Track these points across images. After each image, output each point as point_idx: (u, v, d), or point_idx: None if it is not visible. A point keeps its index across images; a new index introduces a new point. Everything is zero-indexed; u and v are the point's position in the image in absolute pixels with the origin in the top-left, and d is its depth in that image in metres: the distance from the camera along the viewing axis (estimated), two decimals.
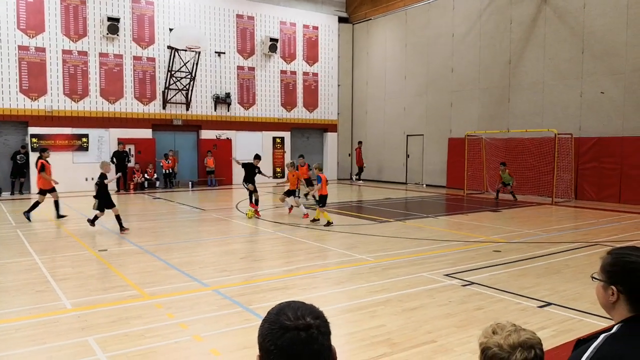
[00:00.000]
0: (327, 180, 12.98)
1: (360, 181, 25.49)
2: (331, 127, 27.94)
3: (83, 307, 6.21)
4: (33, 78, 20.03)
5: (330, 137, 27.98)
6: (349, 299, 6.62)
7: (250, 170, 14.31)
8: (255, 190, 13.96)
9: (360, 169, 25.49)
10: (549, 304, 6.34)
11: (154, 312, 6.06)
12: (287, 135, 26.45)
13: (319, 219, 12.73)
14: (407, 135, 24.94)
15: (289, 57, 26.34)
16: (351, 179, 25.13)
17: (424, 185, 23.85)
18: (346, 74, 28.24)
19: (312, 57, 27.11)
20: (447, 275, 7.68)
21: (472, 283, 7.22)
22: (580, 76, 17.75)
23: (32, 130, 20.09)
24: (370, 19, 26.96)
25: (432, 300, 6.51)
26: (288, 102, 26.40)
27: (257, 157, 14.71)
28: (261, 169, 14.69)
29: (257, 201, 13.97)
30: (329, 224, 12.28)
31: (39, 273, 7.85)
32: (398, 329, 5.47)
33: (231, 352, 4.92)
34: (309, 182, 16.14)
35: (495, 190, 18.52)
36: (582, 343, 1.81)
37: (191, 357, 4.82)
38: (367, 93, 27.38)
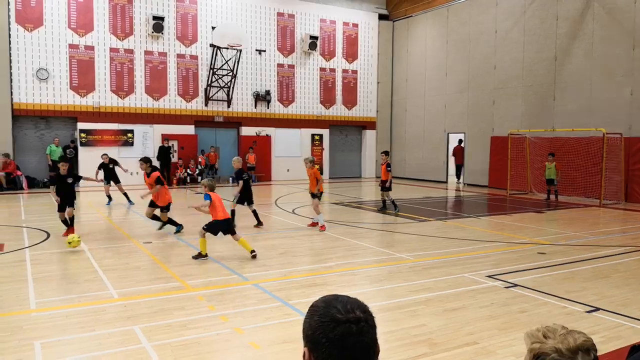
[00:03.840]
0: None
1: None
2: (370, 124, 27.81)
3: (129, 297, 6.40)
4: (82, 75, 20.74)
5: (369, 135, 27.85)
6: (388, 298, 6.58)
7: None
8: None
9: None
10: (597, 309, 6.13)
11: (196, 304, 6.18)
12: (325, 132, 26.49)
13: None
14: (448, 133, 24.57)
15: (329, 55, 26.34)
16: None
17: (465, 185, 23.46)
18: (386, 71, 28.03)
19: (351, 54, 27.03)
20: (489, 276, 7.53)
21: (516, 285, 7.06)
22: (631, 73, 17.04)
23: (81, 125, 20.82)
24: (411, 16, 26.66)
25: (474, 301, 6.39)
26: (327, 99, 26.43)
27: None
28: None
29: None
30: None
31: (87, 263, 8.14)
32: (439, 329, 5.41)
33: (270, 345, 4.97)
34: None
35: (544, 190, 18.01)
36: (637, 349, 1.74)
37: (232, 349, 4.90)
38: (407, 90, 27.11)
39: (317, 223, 11.57)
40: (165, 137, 21.94)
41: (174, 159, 22.40)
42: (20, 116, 20.00)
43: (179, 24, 22.51)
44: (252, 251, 8.67)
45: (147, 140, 22.14)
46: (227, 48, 22.12)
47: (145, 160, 11.21)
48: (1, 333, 5.19)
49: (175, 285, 7.00)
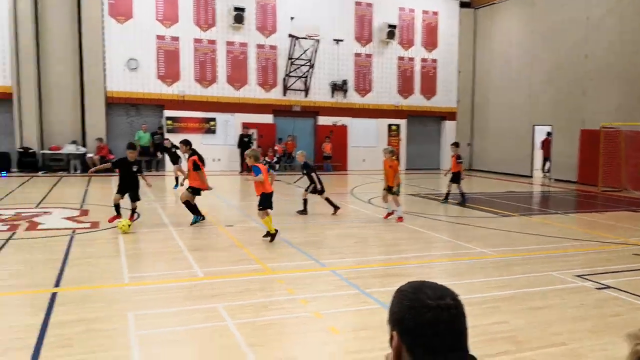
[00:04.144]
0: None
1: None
2: (450, 115, 27.07)
3: (213, 277, 6.67)
4: (168, 65, 21.73)
5: (449, 126, 27.12)
6: (468, 292, 6.39)
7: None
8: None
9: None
10: None
11: (276, 287, 6.33)
12: (403, 122, 26.11)
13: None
14: (534, 125, 23.40)
15: (407, 44, 25.87)
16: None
17: (552, 179, 22.29)
18: (467, 60, 27.11)
19: (431, 43, 26.39)
20: (578, 276, 7.12)
21: (608, 287, 6.63)
22: None
23: (167, 113, 21.87)
24: (494, 4, 25.55)
25: (562, 301, 6.07)
26: (405, 89, 26.00)
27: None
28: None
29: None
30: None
31: (174, 243, 8.56)
32: (522, 327, 5.19)
33: (349, 331, 5.00)
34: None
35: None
36: None
37: (311, 332, 4.97)
38: (490, 80, 26.09)
39: (391, 213, 11.34)
40: (245, 126, 22.57)
41: (254, 147, 22.98)
42: (113, 104, 21.31)
43: (259, 14, 22.96)
44: (273, 234, 8.62)
45: (229, 128, 22.88)
46: (305, 38, 22.32)
47: (185, 143, 10.90)
48: (99, 303, 5.59)
49: (256, 267, 7.20)
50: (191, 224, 10.00)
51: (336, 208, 11.87)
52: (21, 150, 19.79)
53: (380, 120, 25.52)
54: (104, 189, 15.62)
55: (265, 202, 8.78)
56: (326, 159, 24.12)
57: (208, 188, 10.51)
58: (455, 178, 13.88)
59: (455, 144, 14.41)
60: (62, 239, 8.59)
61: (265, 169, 8.88)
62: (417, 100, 26.31)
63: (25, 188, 15.68)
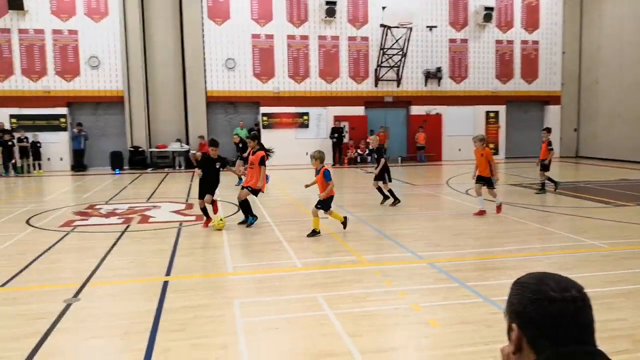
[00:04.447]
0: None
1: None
2: (553, 99, 25.40)
3: (311, 267, 6.82)
4: (263, 63, 22.43)
5: (552, 111, 25.48)
6: None
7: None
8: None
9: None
10: None
11: (373, 278, 6.34)
12: (502, 109, 24.94)
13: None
14: None
15: (506, 26, 24.61)
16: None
17: None
18: (572, 40, 25.25)
19: (531, 23, 24.88)
20: None
21: None
22: None
23: (263, 109, 22.61)
24: None
25: None
26: (503, 73, 24.79)
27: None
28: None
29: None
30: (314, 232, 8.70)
31: (273, 234, 8.86)
32: None
33: (449, 325, 4.88)
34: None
35: None
36: None
37: (411, 324, 4.92)
38: (599, 60, 24.10)
39: (483, 211, 10.44)
40: (337, 119, 22.75)
41: (346, 139, 23.13)
42: (212, 102, 22.41)
43: (350, 7, 22.97)
44: (317, 231, 8.47)
45: (321, 122, 23.19)
46: (398, 27, 21.98)
47: (253, 138, 10.20)
48: (207, 291, 5.93)
49: (352, 258, 7.25)
50: (248, 225, 9.46)
51: (385, 197, 11.69)
52: (132, 149, 21.45)
53: (477, 107, 24.57)
54: None
55: (326, 204, 8.55)
56: (419, 149, 23.67)
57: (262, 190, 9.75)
58: (546, 165, 13.35)
59: (547, 130, 13.76)
60: (171, 231, 9.20)
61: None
62: (516, 85, 24.99)
63: (137, 184, 16.99)
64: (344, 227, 8.87)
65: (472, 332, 4.66)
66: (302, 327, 4.85)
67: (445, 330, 4.75)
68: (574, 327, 1.25)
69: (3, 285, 6.21)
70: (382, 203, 11.81)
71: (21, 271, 6.79)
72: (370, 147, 12.21)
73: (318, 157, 8.62)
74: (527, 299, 1.29)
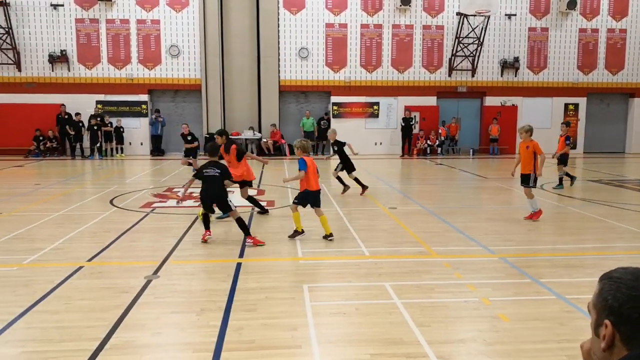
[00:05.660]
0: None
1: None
2: (639, 91, 23.81)
3: (378, 256, 6.88)
4: (336, 52, 22.51)
5: (638, 103, 23.87)
6: None
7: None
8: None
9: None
10: None
11: (442, 270, 6.30)
12: (582, 101, 23.66)
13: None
14: None
15: (591, 14, 23.23)
16: None
17: None
18: None
19: (619, 11, 23.33)
20: None
21: None
22: None
23: (334, 99, 22.74)
24: None
25: None
26: (586, 64, 23.46)
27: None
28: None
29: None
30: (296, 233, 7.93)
31: (341, 223, 8.98)
32: None
33: (520, 320, 4.79)
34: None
35: None
36: None
37: (480, 317, 4.88)
38: None
39: (538, 213, 9.18)
40: (407, 109, 22.47)
41: (415, 130, 22.82)
42: (285, 91, 22.79)
43: None
44: (330, 235, 7.62)
45: (391, 112, 23.01)
46: (475, 15, 21.33)
47: (220, 133, 9.63)
48: (277, 274, 6.15)
49: (420, 249, 7.23)
50: (218, 218, 9.05)
51: (364, 188, 11.76)
52: (207, 136, 22.25)
53: (555, 99, 23.46)
54: (277, 170, 16.87)
55: (303, 200, 7.69)
56: (493, 141, 22.95)
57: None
58: (564, 159, 13.12)
59: (567, 124, 13.84)
60: (244, 215, 9.47)
61: (314, 164, 7.68)
62: (599, 76, 23.60)
63: None
64: (291, 236, 7.79)
65: (544, 329, 4.56)
66: (370, 314, 4.93)
67: (516, 325, 4.67)
68: None
69: (90, 260, 6.73)
70: (361, 194, 11.78)
71: (106, 247, 7.32)
72: (331, 140, 12.42)
73: (299, 146, 7.83)
74: (624, 295, 1.25)
